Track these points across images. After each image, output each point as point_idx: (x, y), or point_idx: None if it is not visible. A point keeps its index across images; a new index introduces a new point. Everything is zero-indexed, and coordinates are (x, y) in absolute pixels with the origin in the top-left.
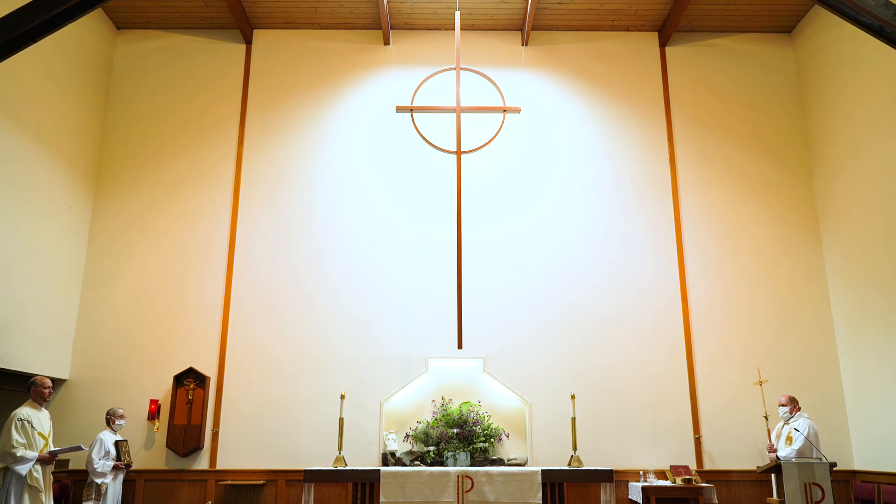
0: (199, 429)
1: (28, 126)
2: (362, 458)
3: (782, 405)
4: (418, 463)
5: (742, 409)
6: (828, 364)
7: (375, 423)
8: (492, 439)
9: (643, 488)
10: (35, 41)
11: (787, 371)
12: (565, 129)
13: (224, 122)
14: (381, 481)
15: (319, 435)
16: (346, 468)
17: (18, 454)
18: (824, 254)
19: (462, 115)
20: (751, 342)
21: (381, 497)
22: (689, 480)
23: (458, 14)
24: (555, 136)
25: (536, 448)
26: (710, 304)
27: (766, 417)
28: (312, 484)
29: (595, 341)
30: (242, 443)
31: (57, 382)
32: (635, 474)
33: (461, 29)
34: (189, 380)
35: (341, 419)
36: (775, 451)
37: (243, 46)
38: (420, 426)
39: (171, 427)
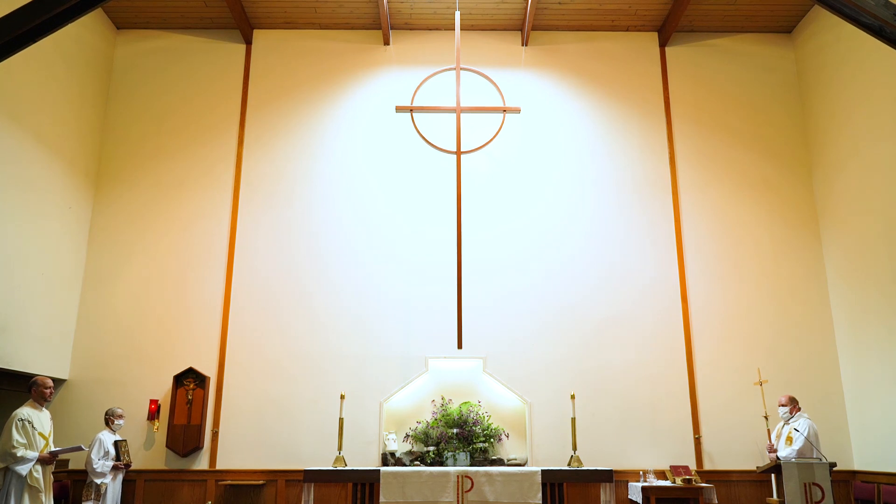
0: (199, 429)
1: (28, 126)
2: (362, 458)
3: (782, 405)
4: (418, 463)
5: (742, 409)
6: (828, 364)
7: (375, 423)
8: (492, 439)
9: (643, 488)
10: (35, 41)
11: (786, 371)
12: (565, 129)
13: (224, 122)
14: (381, 481)
15: (319, 435)
16: (346, 468)
17: (19, 454)
18: (824, 254)
19: (462, 115)
20: (751, 342)
21: (381, 497)
22: (689, 480)
23: (457, 14)
24: (555, 137)
25: (536, 448)
26: (710, 303)
27: (766, 417)
28: (312, 484)
29: (595, 341)
30: (242, 443)
31: (57, 382)
32: (635, 474)
33: (461, 29)
34: (189, 380)
35: (341, 419)
36: (775, 451)
37: (243, 46)
38: (420, 426)
39: (171, 427)
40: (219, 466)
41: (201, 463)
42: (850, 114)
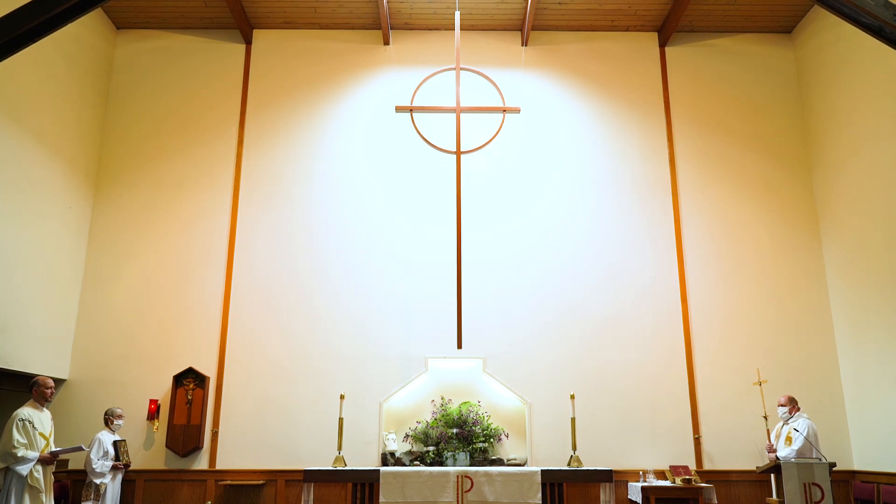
0: (199, 429)
1: (28, 126)
2: (362, 459)
3: (782, 405)
4: (418, 463)
5: (742, 409)
6: (827, 364)
7: (375, 423)
8: (491, 439)
9: (643, 488)
10: (35, 41)
11: (786, 371)
12: (565, 130)
13: (224, 122)
14: (381, 481)
15: (319, 435)
16: (346, 468)
17: (19, 454)
18: (824, 254)
19: (462, 115)
20: (750, 342)
21: (381, 497)
22: (689, 480)
23: (457, 14)
24: (555, 137)
25: (536, 448)
26: (710, 304)
27: (765, 418)
28: (312, 484)
29: (595, 341)
30: (242, 443)
31: (57, 382)
32: (635, 474)
33: (461, 29)
34: (189, 380)
35: (341, 419)
36: (775, 451)
37: (243, 46)
38: (420, 426)
39: (171, 427)
40: (218, 466)
41: (201, 463)
42: (849, 114)
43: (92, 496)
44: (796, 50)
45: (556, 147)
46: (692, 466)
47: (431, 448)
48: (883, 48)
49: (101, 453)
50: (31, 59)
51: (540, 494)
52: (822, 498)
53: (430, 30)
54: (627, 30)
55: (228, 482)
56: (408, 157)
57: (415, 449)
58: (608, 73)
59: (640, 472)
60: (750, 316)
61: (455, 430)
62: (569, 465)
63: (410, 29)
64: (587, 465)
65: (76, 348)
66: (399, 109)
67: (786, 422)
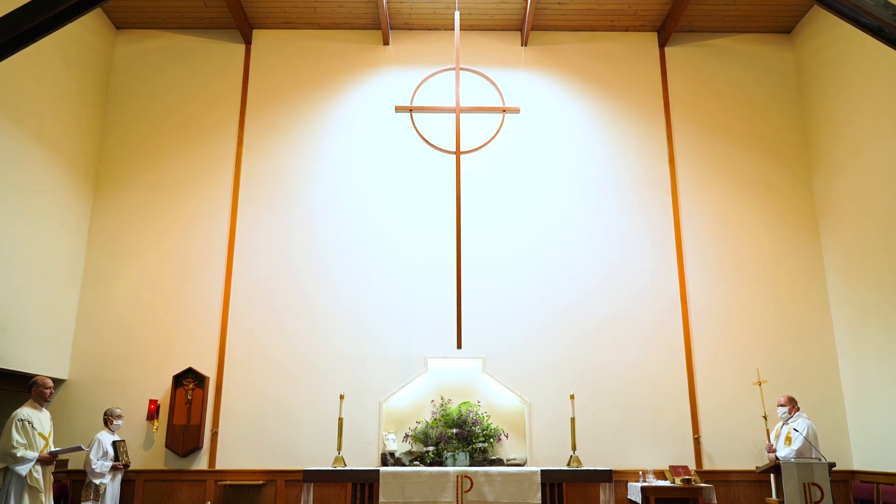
0: (199, 429)
1: (28, 126)
2: (361, 459)
3: (781, 405)
4: (417, 463)
5: (741, 409)
6: (827, 364)
7: (375, 424)
8: (491, 439)
9: (642, 488)
10: (34, 41)
11: (786, 371)
12: (565, 130)
13: (223, 122)
14: (381, 481)
15: (319, 435)
16: (346, 468)
17: (19, 454)
18: (823, 254)
19: (461, 115)
20: (750, 342)
21: (381, 497)
22: (689, 480)
23: (457, 14)
24: (554, 137)
25: (536, 448)
26: (710, 303)
27: (765, 418)
28: (312, 484)
29: (595, 341)
30: (242, 443)
31: (56, 382)
32: (634, 474)
33: (461, 29)
34: (188, 380)
35: (340, 419)
36: (774, 451)
37: (243, 46)
38: (419, 426)
39: (171, 427)
40: (218, 466)
41: (201, 463)
42: (849, 114)
43: (91, 496)
44: (796, 50)
45: (555, 147)
46: (692, 466)
47: (431, 448)
48: (882, 48)
49: (101, 453)
50: (31, 59)
51: (539, 494)
52: (822, 498)
53: (429, 30)
54: (627, 30)
55: (228, 482)
56: (408, 157)
57: (414, 449)
58: (608, 73)
59: (640, 472)
60: (750, 316)
61: (455, 430)
62: (568, 465)
63: (410, 29)
64: (587, 465)
65: (76, 348)
66: (399, 109)
67: (785, 422)
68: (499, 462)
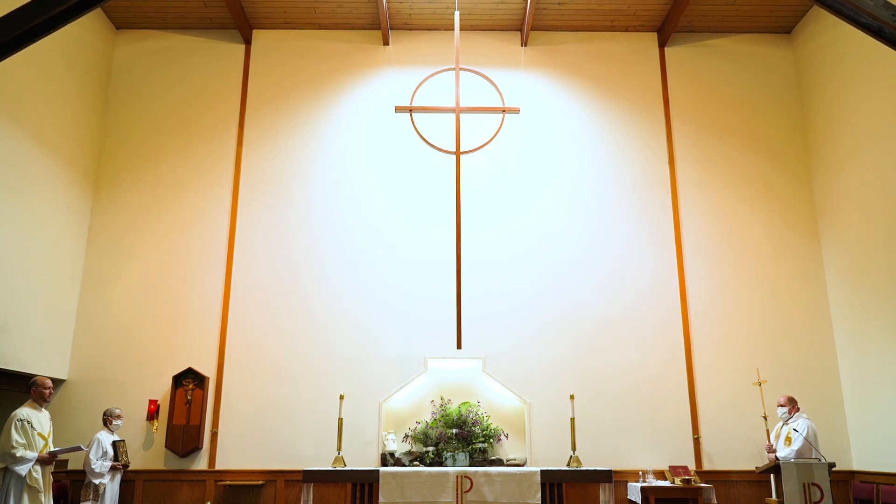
0: (198, 429)
1: (27, 126)
2: (361, 459)
3: (781, 405)
4: (417, 463)
5: (741, 409)
6: (827, 364)
7: (374, 424)
8: (491, 440)
9: (642, 488)
10: (34, 41)
11: (786, 371)
12: (564, 130)
13: (223, 123)
14: (381, 481)
15: (318, 435)
16: (345, 468)
17: (18, 454)
18: (823, 254)
19: (461, 115)
20: (750, 342)
21: (380, 497)
22: (689, 481)
23: (457, 14)
24: (554, 137)
25: (535, 448)
26: (710, 304)
27: (765, 418)
28: (311, 484)
29: (594, 341)
30: (241, 443)
31: (56, 383)
32: (634, 475)
33: (460, 29)
34: (188, 380)
35: (340, 419)
36: (774, 451)
37: (242, 46)
38: (419, 426)
39: (170, 427)
40: (218, 467)
41: (200, 463)
42: (849, 114)
43: (91, 496)
44: (795, 50)
45: (555, 147)
46: (692, 467)
47: (431, 448)
48: (882, 48)
49: (100, 453)
50: (31, 59)
51: (539, 495)
52: (822, 498)
53: (429, 30)
54: (627, 30)
55: (228, 482)
56: (407, 158)
57: (414, 449)
58: (608, 73)
59: (640, 473)
60: (749, 316)
61: (454, 431)
62: (568, 465)
63: (410, 29)
64: (587, 466)
65: (75, 348)
66: (398, 110)
67: (785, 422)
68: (498, 462)
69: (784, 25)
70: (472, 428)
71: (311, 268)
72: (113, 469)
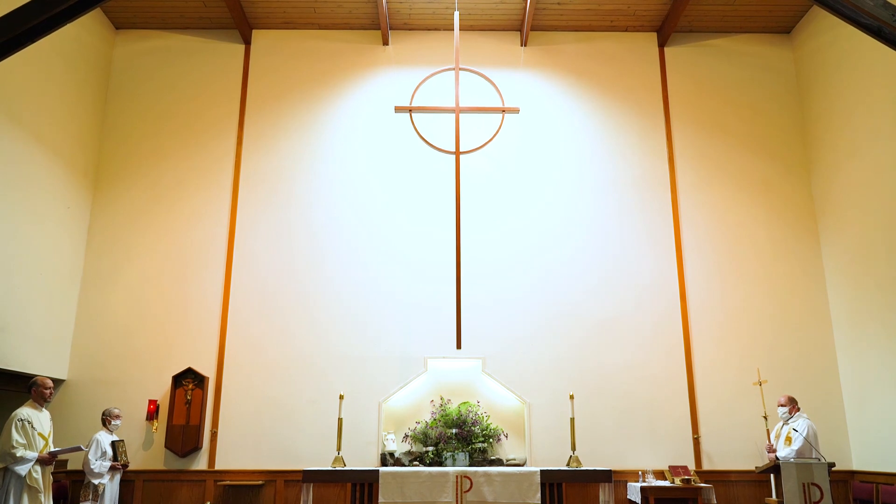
0: (198, 429)
1: (27, 126)
2: (361, 459)
3: (781, 405)
4: (417, 463)
5: (741, 409)
6: (826, 364)
7: (374, 424)
8: (490, 439)
9: (642, 488)
10: (34, 41)
11: (785, 371)
12: (564, 130)
13: (223, 123)
14: (380, 481)
15: (318, 435)
16: (345, 468)
17: (18, 454)
18: (823, 254)
19: (461, 115)
20: (750, 342)
21: (380, 497)
22: (688, 481)
23: (456, 14)
24: (554, 137)
25: (535, 448)
26: (709, 304)
27: (765, 418)
28: (311, 484)
29: (594, 342)
30: (241, 443)
31: (56, 383)
32: (634, 474)
33: (460, 29)
34: (188, 380)
35: (340, 419)
36: (774, 451)
37: (242, 47)
38: (419, 426)
39: (170, 427)
40: (217, 467)
41: (200, 463)
42: (848, 114)
43: (90, 496)
44: (795, 50)
45: (555, 147)
46: (691, 466)
47: (431, 448)
48: (882, 49)
49: (100, 454)
50: (30, 59)
51: (539, 494)
52: (821, 498)
53: (429, 30)
54: (626, 30)
55: (227, 482)
56: (407, 158)
57: (414, 449)
58: (607, 73)
59: (640, 473)
60: (749, 316)
61: (454, 431)
62: (568, 465)
63: (409, 29)
64: (586, 466)
65: (75, 348)
66: (398, 110)
67: (785, 422)
68: (498, 462)
69: (784, 25)
70: (472, 428)
71: (311, 268)
72: (112, 469)
